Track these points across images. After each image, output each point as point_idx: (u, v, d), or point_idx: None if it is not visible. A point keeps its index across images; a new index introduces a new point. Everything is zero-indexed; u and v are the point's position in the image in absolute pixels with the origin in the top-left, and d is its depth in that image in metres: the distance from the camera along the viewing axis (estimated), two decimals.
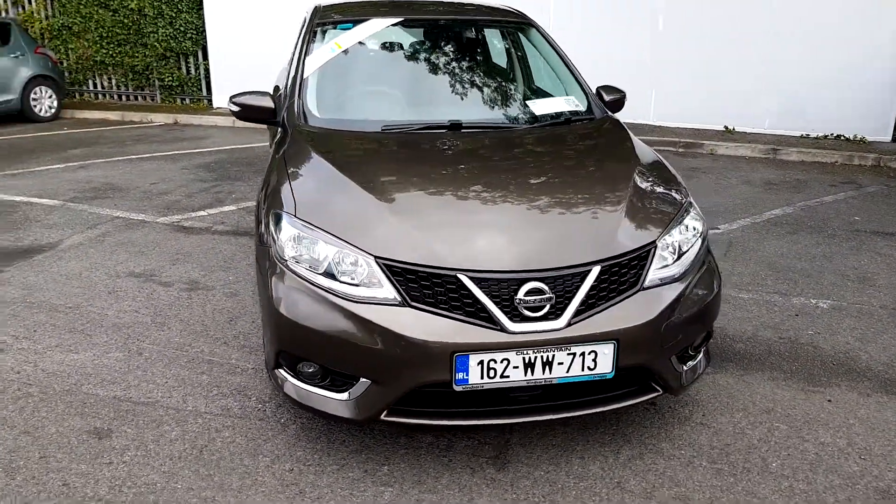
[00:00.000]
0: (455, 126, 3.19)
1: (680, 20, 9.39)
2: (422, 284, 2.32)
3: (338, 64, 3.56)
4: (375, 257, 2.35)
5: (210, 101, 11.46)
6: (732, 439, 2.77)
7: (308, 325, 2.37)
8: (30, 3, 11.99)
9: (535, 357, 2.31)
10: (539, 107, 3.45)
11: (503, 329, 2.29)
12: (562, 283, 2.35)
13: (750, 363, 3.39)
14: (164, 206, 5.94)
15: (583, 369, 2.36)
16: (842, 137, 9.00)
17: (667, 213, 2.70)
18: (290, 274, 2.45)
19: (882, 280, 4.46)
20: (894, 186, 7.09)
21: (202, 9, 11.02)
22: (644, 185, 2.85)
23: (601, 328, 2.35)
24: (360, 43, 3.68)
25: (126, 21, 11.39)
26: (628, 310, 2.41)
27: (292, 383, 2.51)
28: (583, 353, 2.34)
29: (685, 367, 2.65)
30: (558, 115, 3.44)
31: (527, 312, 2.31)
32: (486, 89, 3.59)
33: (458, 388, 2.30)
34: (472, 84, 3.60)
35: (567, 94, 3.64)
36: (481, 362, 2.28)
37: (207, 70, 11.36)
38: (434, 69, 3.66)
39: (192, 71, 11.57)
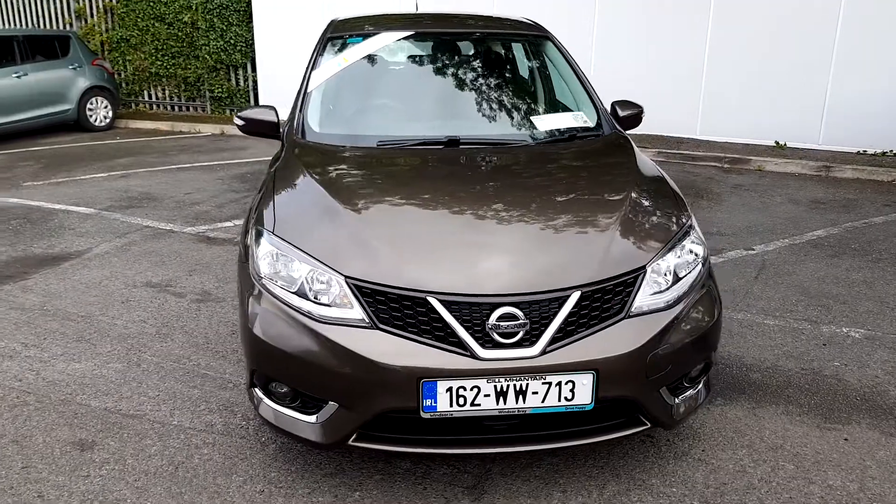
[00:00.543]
0: (452, 142, 3.12)
1: (730, 31, 9.06)
2: (391, 307, 2.25)
3: (342, 78, 3.54)
4: (346, 277, 2.30)
5: None
6: (731, 478, 2.59)
7: (277, 345, 2.33)
8: (92, 16, 12.51)
9: (508, 385, 2.21)
10: (543, 123, 3.34)
11: (473, 355, 2.19)
12: (537, 309, 2.24)
13: (764, 395, 3.18)
14: (193, 217, 6.04)
15: (559, 400, 2.25)
16: None
17: (662, 236, 2.56)
18: (265, 292, 2.41)
19: None
20: None
21: (251, 22, 11.29)
22: (641, 205, 2.71)
23: (579, 357, 2.23)
24: (368, 57, 3.65)
25: (180, 34, 11.77)
26: (610, 338, 2.28)
27: (266, 404, 2.47)
28: (559, 383, 2.23)
29: (677, 400, 2.49)
30: (562, 131, 3.33)
31: (499, 339, 2.21)
32: (489, 104, 3.50)
33: (426, 415, 2.21)
34: (476, 99, 3.52)
35: (577, 110, 3.52)
36: (450, 389, 2.19)
37: (255, 82, 11.61)
38: (439, 84, 3.60)
39: (241, 83, 11.85)
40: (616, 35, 9.54)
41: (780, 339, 3.77)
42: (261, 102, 11.52)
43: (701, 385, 2.63)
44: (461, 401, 2.21)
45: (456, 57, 3.71)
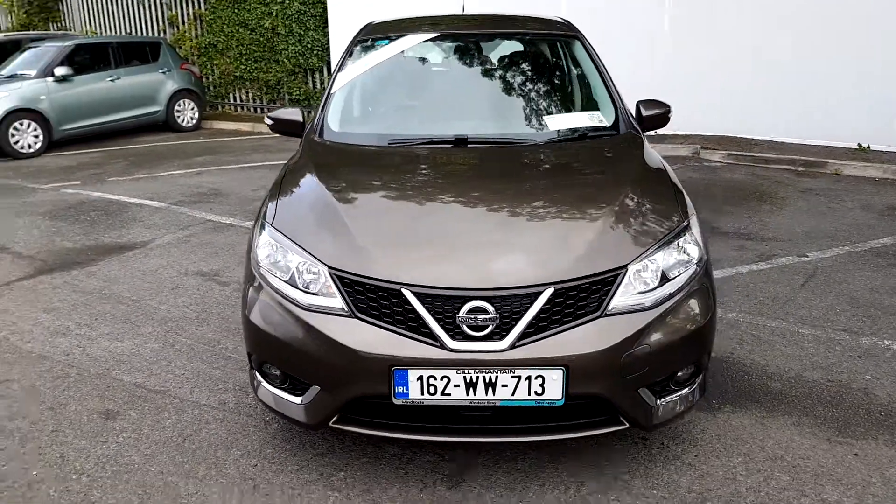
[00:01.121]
0: (461, 141, 3.19)
1: (814, 28, 8.62)
2: (368, 297, 2.35)
3: (363, 80, 3.68)
4: (329, 268, 2.42)
5: None
6: (718, 485, 2.54)
7: (269, 330, 2.48)
8: (183, 23, 13.33)
9: (477, 377, 2.27)
10: (555, 122, 3.35)
11: (443, 346, 2.26)
12: (509, 304, 2.28)
13: (778, 405, 3.08)
14: (253, 212, 6.36)
15: (529, 394, 2.28)
16: None
17: (652, 236, 2.53)
18: (261, 280, 2.57)
19: None
20: None
21: (327, 27, 11.70)
22: (634, 205, 2.69)
23: (549, 353, 2.26)
24: (390, 59, 3.77)
25: (261, 39, 12.34)
26: (583, 336, 2.29)
27: (264, 386, 2.63)
28: (529, 378, 2.27)
29: (660, 402, 2.47)
30: (574, 131, 3.33)
31: (469, 331, 2.27)
32: (501, 105, 3.55)
33: (397, 402, 2.31)
34: (490, 100, 3.57)
35: (595, 109, 3.51)
36: (420, 378, 2.28)
37: None
38: (455, 85, 3.68)
39: (318, 86, 12.30)
40: (688, 32, 9.27)
41: (813, 348, 3.62)
42: None
43: (689, 389, 2.58)
44: (432, 389, 2.29)
45: (476, 58, 3.77)
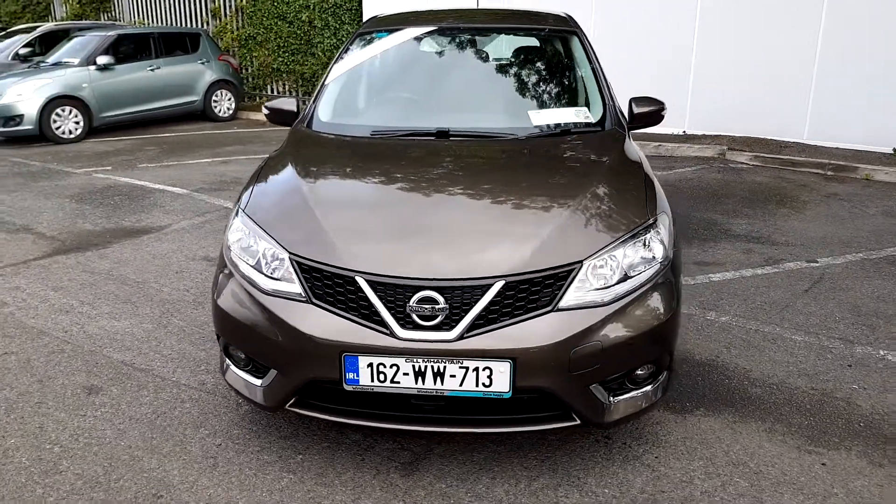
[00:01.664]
0: (443, 134, 3.22)
1: (846, 28, 8.35)
2: (324, 283, 2.41)
3: (357, 72, 3.74)
4: (290, 254, 2.48)
5: None
6: (672, 487, 2.52)
7: (233, 314, 2.56)
8: (225, 15, 13.63)
9: (426, 366, 2.30)
10: (540, 117, 3.34)
11: (392, 334, 2.30)
12: (459, 295, 2.31)
13: (753, 411, 3.02)
14: None
15: (477, 385, 2.31)
16: None
17: (613, 232, 2.52)
18: (229, 264, 2.65)
19: None
20: None
21: (362, 20, 11.81)
22: (601, 201, 2.68)
23: (496, 345, 2.28)
24: (385, 52, 3.81)
25: (298, 32, 12.54)
26: (532, 330, 2.30)
27: (232, 369, 2.71)
28: (476, 369, 2.29)
29: (614, 399, 2.46)
30: (558, 126, 3.32)
31: (419, 321, 2.30)
32: (490, 98, 3.55)
33: (348, 388, 2.36)
34: (476, 93, 3.58)
35: (584, 105, 3.49)
36: (370, 365, 2.32)
37: None
38: (445, 77, 3.70)
39: None
40: (719, 32, 9.07)
41: (803, 355, 3.54)
42: None
43: (650, 387, 2.56)
44: (381, 377, 2.33)
45: (470, 51, 3.79)
